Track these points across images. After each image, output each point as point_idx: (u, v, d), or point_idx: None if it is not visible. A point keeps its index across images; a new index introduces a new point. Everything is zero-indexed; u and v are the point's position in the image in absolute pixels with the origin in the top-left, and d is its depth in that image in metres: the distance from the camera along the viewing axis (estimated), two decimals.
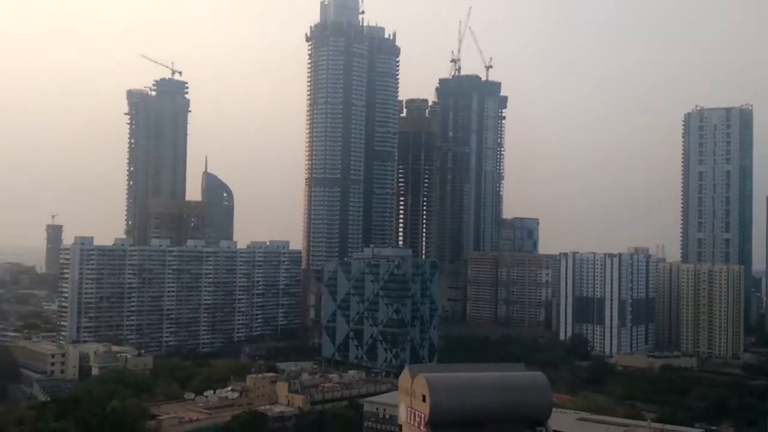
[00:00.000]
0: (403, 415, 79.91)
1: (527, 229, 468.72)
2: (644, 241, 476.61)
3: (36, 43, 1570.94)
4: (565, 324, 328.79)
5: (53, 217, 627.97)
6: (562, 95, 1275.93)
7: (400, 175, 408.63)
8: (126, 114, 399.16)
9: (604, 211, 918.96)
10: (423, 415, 73.18)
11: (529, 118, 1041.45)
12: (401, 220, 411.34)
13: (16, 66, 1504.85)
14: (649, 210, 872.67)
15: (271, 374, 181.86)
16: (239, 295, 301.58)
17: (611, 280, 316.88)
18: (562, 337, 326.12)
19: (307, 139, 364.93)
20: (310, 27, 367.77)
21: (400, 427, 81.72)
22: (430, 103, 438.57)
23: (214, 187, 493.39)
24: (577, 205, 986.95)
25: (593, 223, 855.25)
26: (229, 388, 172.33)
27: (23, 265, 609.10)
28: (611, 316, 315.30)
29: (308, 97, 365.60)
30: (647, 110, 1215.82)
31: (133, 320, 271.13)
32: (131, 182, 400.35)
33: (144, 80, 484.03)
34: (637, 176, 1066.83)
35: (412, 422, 76.59)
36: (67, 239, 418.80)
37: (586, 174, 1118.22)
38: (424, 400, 72.98)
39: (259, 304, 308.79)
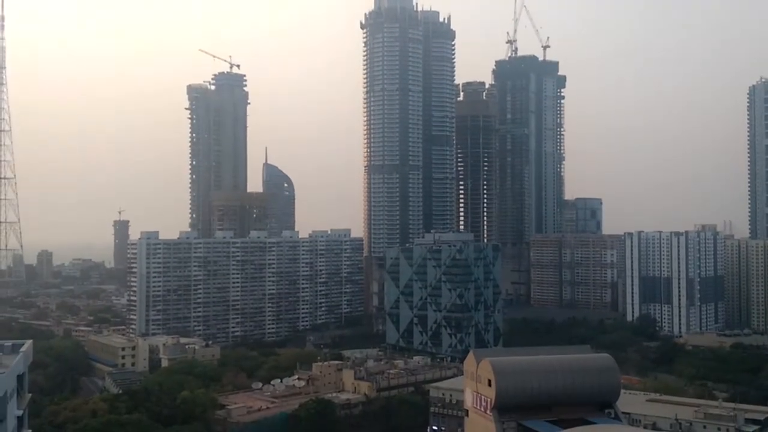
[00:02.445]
0: (469, 399, 79.34)
1: (590, 210, 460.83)
2: (711, 217, 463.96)
3: (96, 42, 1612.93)
4: (632, 305, 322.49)
5: (120, 213, 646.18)
6: (622, 71, 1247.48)
7: (459, 159, 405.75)
8: (187, 109, 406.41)
9: (669, 188, 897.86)
10: (489, 400, 72.50)
11: (589, 97, 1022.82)
12: (462, 205, 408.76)
13: (78, 66, 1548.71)
14: (716, 186, 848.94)
15: (336, 362, 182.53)
16: (303, 284, 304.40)
17: (678, 258, 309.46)
18: (629, 318, 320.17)
19: (365, 127, 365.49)
20: (365, 14, 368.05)
21: (467, 411, 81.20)
22: (487, 86, 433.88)
23: (275, 177, 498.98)
24: (642, 183, 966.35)
25: (658, 201, 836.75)
26: (296, 376, 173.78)
27: (93, 261, 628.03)
28: (679, 296, 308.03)
29: (365, 84, 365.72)
30: (711, 84, 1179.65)
31: (200, 312, 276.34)
32: (194, 176, 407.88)
33: (203, 74, 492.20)
34: (702, 152, 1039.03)
35: (478, 407, 75.97)
36: (134, 234, 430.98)
37: (649, 151, 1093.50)
38: (489, 385, 72.29)
39: (323, 292, 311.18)
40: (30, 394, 51.54)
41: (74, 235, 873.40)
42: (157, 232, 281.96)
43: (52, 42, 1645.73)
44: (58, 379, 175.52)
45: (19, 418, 45.72)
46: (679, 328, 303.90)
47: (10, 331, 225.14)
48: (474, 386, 76.02)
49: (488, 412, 72.07)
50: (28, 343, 51.00)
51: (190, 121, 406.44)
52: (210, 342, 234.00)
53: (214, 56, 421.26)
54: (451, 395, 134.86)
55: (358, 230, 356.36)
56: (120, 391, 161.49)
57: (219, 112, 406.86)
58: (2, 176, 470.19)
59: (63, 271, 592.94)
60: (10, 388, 42.35)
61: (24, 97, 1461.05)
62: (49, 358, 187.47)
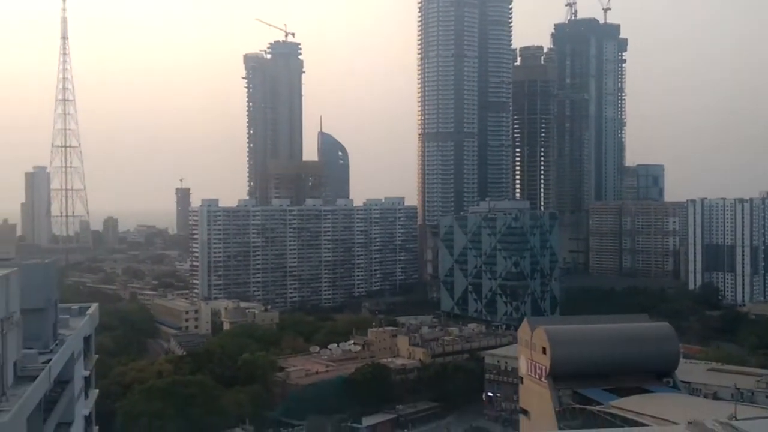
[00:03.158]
0: (523, 367, 79.42)
1: (652, 176, 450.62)
2: None
3: (156, 12, 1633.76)
4: (695, 273, 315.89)
5: (181, 180, 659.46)
6: (686, 33, 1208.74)
7: (516, 126, 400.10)
8: (243, 78, 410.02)
9: (733, 154, 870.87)
10: (544, 367, 72.45)
11: (652, 61, 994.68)
12: (518, 172, 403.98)
13: (139, 36, 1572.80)
14: None
15: (391, 328, 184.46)
16: (357, 251, 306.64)
17: (742, 226, 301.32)
18: (691, 286, 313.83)
19: (420, 94, 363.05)
20: None
21: (521, 378, 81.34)
22: (545, 50, 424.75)
23: (330, 146, 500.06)
24: (705, 148, 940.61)
25: (722, 167, 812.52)
26: (352, 341, 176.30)
27: (156, 228, 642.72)
28: (743, 264, 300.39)
29: (419, 50, 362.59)
30: None
31: (258, 277, 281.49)
32: (251, 144, 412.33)
33: (260, 44, 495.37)
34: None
35: (532, 374, 75.99)
36: (195, 202, 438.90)
37: (713, 116, 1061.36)
38: (544, 353, 72.19)
39: (377, 260, 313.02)
40: (97, 356, 53.25)
41: (138, 202, 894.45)
42: (217, 199, 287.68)
43: (112, 12, 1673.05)
44: (125, 341, 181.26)
45: (86, 378, 47.31)
46: (743, 296, 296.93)
47: (78, 294, 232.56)
48: (528, 354, 76.01)
49: (543, 379, 72.06)
50: (95, 305, 52.57)
51: (246, 90, 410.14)
52: (269, 306, 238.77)
53: (269, 25, 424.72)
54: (506, 362, 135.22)
55: (413, 198, 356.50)
56: (184, 353, 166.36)
57: (275, 80, 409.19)
58: (68, 145, 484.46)
59: (128, 236, 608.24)
60: (77, 349, 43.84)
61: (86, 66, 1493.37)
62: (116, 320, 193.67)
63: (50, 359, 36.15)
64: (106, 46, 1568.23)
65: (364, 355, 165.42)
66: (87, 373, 47.53)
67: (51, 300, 40.45)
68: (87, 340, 48.33)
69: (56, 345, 39.76)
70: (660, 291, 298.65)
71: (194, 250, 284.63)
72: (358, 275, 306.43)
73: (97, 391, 53.42)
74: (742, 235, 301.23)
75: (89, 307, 51.51)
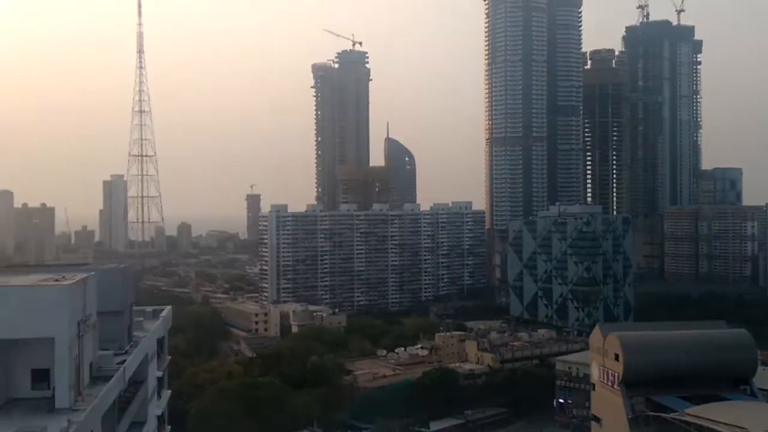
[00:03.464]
0: (595, 373, 77.81)
1: (729, 180, 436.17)
2: None
3: (227, 24, 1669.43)
4: None
5: (252, 187, 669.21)
6: (763, 33, 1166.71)
7: (586, 130, 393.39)
8: (312, 87, 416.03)
9: None
10: (617, 374, 70.83)
11: (729, 62, 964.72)
12: (589, 177, 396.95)
13: (210, 47, 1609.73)
14: None
15: (459, 333, 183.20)
16: (424, 255, 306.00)
17: None
18: None
19: (487, 99, 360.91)
20: None
21: (593, 385, 79.70)
22: (616, 53, 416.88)
23: (396, 151, 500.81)
24: None
25: None
26: (419, 345, 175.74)
27: (228, 233, 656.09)
28: None
29: (486, 55, 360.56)
30: None
31: (326, 281, 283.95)
32: (319, 151, 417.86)
33: (327, 54, 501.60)
34: None
35: (605, 381, 74.39)
36: (265, 208, 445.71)
37: None
38: (617, 359, 70.59)
39: (445, 264, 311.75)
40: (169, 357, 54.53)
41: (211, 208, 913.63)
42: (286, 205, 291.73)
43: (185, 25, 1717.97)
44: (197, 343, 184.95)
45: (159, 379, 48.50)
46: None
47: (153, 297, 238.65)
48: (601, 360, 74.43)
49: (616, 386, 70.44)
50: (168, 308, 53.89)
51: (315, 98, 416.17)
52: (336, 310, 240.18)
53: (337, 35, 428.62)
54: (577, 369, 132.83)
55: (480, 203, 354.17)
56: (254, 355, 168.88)
57: (342, 89, 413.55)
58: (144, 154, 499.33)
59: (201, 241, 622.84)
60: (150, 350, 44.99)
61: (161, 78, 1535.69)
62: (188, 323, 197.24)
63: (125, 360, 37.18)
64: (179, 58, 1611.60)
65: (431, 359, 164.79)
66: (160, 373, 48.72)
67: (126, 303, 41.62)
68: (160, 341, 49.54)
69: (131, 346, 40.88)
70: (738, 297, 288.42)
71: (264, 254, 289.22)
72: (425, 279, 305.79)
73: (170, 391, 54.60)
74: None
75: (163, 309, 52.82)
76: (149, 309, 52.86)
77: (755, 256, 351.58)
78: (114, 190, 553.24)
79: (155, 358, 47.12)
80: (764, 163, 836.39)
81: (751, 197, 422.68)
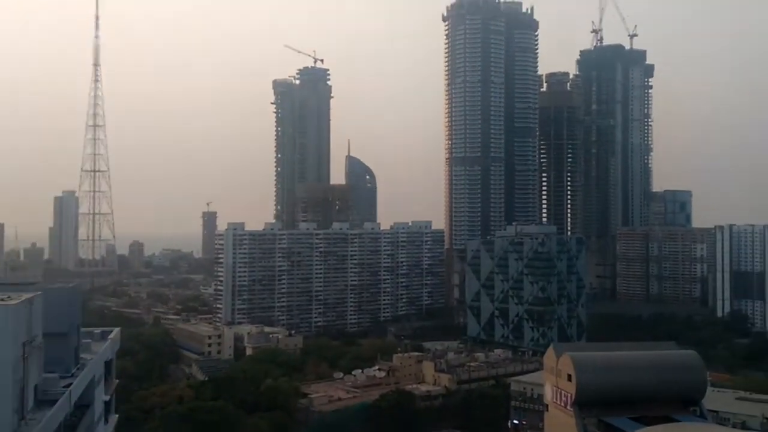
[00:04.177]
0: (549, 394, 78.14)
1: (679, 202, 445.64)
2: None
3: (185, 38, 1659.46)
4: (723, 300, 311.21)
5: (208, 204, 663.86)
6: (712, 59, 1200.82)
7: (542, 151, 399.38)
8: (272, 103, 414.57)
9: (762, 180, 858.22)
10: (569, 395, 71.22)
11: (679, 86, 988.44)
12: (544, 197, 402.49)
13: (167, 61, 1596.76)
14: None
15: (417, 353, 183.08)
16: (384, 275, 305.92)
17: None
18: (719, 314, 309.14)
19: (447, 119, 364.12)
20: (447, 6, 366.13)
21: (547, 406, 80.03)
22: (571, 76, 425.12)
23: (357, 170, 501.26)
24: (733, 175, 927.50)
25: (750, 194, 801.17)
26: (377, 367, 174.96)
27: (182, 251, 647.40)
28: None
29: (446, 76, 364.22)
30: None
31: (283, 302, 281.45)
32: (279, 169, 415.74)
33: (288, 70, 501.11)
34: None
35: (558, 401, 74.75)
36: (222, 226, 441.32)
37: (741, 141, 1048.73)
38: (569, 380, 71.02)
39: (404, 284, 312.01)
40: (117, 380, 53.33)
41: (164, 226, 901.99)
42: (243, 223, 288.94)
43: (141, 38, 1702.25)
44: (147, 366, 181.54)
45: (107, 403, 47.35)
46: None
47: (102, 318, 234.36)
48: (554, 381, 74.86)
49: (569, 407, 70.84)
50: (116, 330, 52.79)
51: (275, 115, 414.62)
52: (293, 331, 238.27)
53: (298, 51, 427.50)
54: (532, 389, 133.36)
55: (440, 222, 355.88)
56: (206, 378, 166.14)
57: (303, 106, 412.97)
58: (97, 169, 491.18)
59: (153, 260, 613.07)
60: (98, 373, 43.95)
61: (116, 91, 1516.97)
62: (138, 345, 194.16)
63: (71, 383, 36.27)
64: (136, 72, 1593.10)
65: (388, 381, 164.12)
66: (107, 397, 47.60)
67: (73, 324, 40.66)
68: (108, 364, 48.49)
69: (77, 369, 39.91)
70: (687, 318, 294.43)
71: (219, 274, 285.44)
72: (384, 299, 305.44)
73: (117, 416, 53.40)
74: None
75: (111, 331, 51.75)
76: (97, 330, 51.79)
77: (704, 277, 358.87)
78: (65, 206, 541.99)
79: (102, 381, 46.08)
80: (713, 186, 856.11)
81: (700, 219, 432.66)
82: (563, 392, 72.32)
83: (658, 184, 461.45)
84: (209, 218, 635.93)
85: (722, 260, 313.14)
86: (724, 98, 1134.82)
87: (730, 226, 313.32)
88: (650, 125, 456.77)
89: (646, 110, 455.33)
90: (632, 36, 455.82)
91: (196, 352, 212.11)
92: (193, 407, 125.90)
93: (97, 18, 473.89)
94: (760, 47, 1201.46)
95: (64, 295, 41.00)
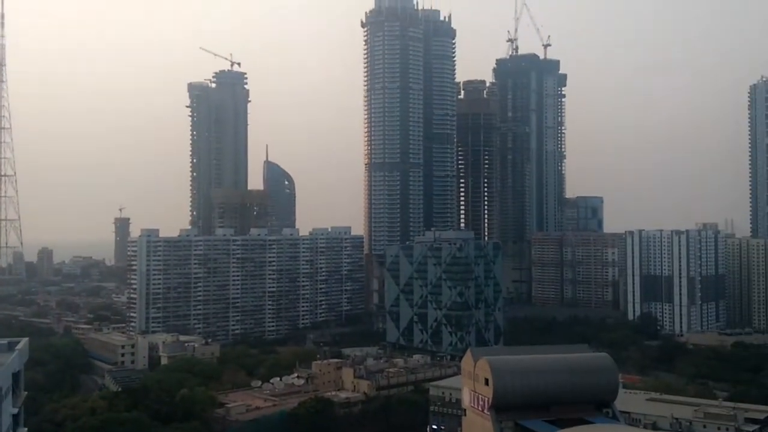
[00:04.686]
0: (466, 398, 79.05)
1: (591, 208, 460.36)
2: (712, 216, 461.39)
3: (97, 39, 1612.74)
4: (633, 303, 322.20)
5: (120, 210, 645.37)
6: (623, 69, 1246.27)
7: (460, 158, 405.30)
8: (187, 107, 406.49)
9: (670, 186, 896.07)
10: (486, 399, 72.23)
11: (591, 95, 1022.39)
12: (462, 203, 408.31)
13: (78, 63, 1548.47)
14: (717, 185, 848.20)
15: (336, 360, 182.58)
16: (303, 281, 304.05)
17: (679, 257, 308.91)
18: (630, 316, 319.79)
19: (366, 125, 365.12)
20: (366, 13, 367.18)
21: (465, 410, 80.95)
22: (487, 84, 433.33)
23: (276, 175, 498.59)
24: (643, 181, 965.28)
25: (659, 200, 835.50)
26: (295, 374, 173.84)
27: (93, 259, 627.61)
28: (680, 294, 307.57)
29: (365, 82, 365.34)
30: (713, 82, 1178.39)
31: (200, 309, 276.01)
32: (194, 173, 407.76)
33: (204, 73, 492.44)
34: (703, 150, 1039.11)
35: (475, 406, 75.71)
36: (135, 232, 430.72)
37: (650, 149, 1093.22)
38: (487, 384, 72.03)
39: (323, 290, 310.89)
40: (26, 392, 51.42)
41: (75, 233, 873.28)
42: (158, 229, 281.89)
43: (51, 38, 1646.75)
44: (58, 377, 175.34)
45: (15, 416, 45.61)
46: (681, 326, 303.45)
47: (9, 328, 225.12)
48: (472, 385, 75.81)
49: (486, 411, 71.85)
50: (24, 340, 50.87)
51: (190, 118, 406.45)
52: (210, 340, 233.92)
53: (215, 54, 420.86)
54: (450, 394, 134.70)
55: (359, 228, 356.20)
56: (119, 389, 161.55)
57: (220, 109, 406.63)
58: (3, 173, 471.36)
59: (63, 268, 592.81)
60: (5, 385, 42.24)
61: (24, 93, 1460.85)
62: (48, 355, 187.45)
63: None
64: (43, 71, 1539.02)
65: (307, 388, 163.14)
66: (15, 410, 45.87)
67: None
68: (16, 376, 46.74)
69: None
70: (600, 321, 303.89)
71: (132, 281, 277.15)
72: (303, 306, 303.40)
73: (26, 429, 51.46)
74: (680, 266, 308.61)
75: (18, 342, 49.84)
76: (4, 341, 49.87)
77: (615, 281, 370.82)
78: None
79: (10, 393, 44.41)
80: (624, 192, 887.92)
81: (611, 225, 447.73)
82: (480, 396, 73.32)
83: (571, 190, 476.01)
84: (122, 224, 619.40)
85: (632, 264, 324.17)
86: (634, 106, 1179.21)
87: (640, 231, 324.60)
88: (563, 133, 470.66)
89: (559, 118, 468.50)
90: (546, 46, 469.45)
91: (109, 363, 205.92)
92: (106, 419, 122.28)
93: (2, 16, 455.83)
94: (671, 59, 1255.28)
95: None
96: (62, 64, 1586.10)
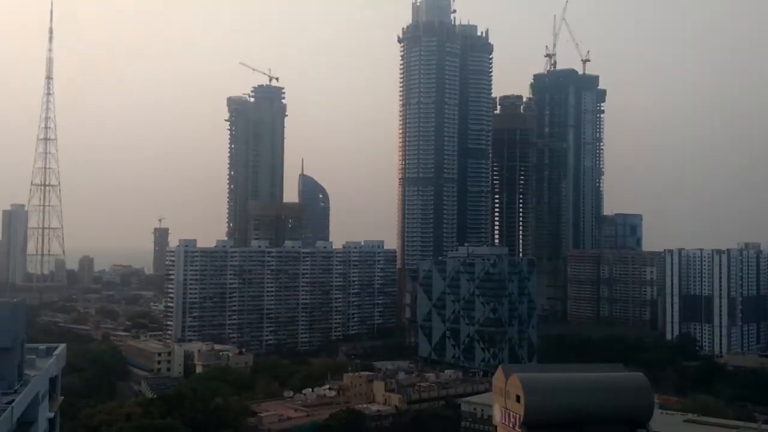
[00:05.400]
0: (497, 415, 78.48)
1: (630, 225, 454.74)
2: (755, 235, 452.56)
3: (141, 55, 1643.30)
4: (672, 323, 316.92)
5: (160, 220, 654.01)
6: (664, 85, 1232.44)
7: (495, 173, 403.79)
8: (226, 120, 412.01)
9: (711, 205, 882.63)
10: (518, 416, 71.63)
11: (630, 112, 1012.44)
12: (497, 219, 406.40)
13: (122, 77, 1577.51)
14: (760, 203, 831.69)
15: (367, 373, 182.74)
16: (336, 294, 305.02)
17: (720, 276, 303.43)
18: (668, 336, 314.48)
19: (401, 140, 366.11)
20: (403, 28, 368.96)
21: (495, 427, 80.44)
22: (524, 100, 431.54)
23: (310, 188, 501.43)
24: (683, 199, 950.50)
25: (700, 218, 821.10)
26: (327, 386, 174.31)
27: (132, 267, 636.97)
28: (720, 315, 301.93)
29: (401, 97, 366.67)
30: (756, 99, 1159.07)
31: (234, 319, 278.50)
32: (232, 186, 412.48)
33: (243, 87, 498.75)
34: (745, 168, 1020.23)
35: (507, 423, 75.12)
36: (173, 242, 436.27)
37: (691, 167, 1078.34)
38: (518, 401, 71.45)
39: (356, 303, 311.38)
40: (62, 397, 52.31)
41: (115, 242, 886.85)
42: (195, 240, 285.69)
43: (97, 54, 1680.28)
44: (95, 383, 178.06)
45: (51, 420, 46.44)
46: (720, 347, 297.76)
47: (50, 334, 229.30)
48: (503, 402, 75.28)
49: (517, 428, 71.27)
50: (62, 346, 51.85)
51: (229, 132, 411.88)
52: (244, 349, 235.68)
53: (254, 69, 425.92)
54: (482, 410, 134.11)
55: (392, 242, 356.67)
56: (155, 396, 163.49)
57: (257, 123, 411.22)
58: (48, 183, 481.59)
59: (103, 276, 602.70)
60: (42, 390, 43.11)
61: (67, 105, 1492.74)
62: (86, 361, 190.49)
63: (13, 400, 35.55)
64: (88, 85, 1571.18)
65: (339, 400, 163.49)
66: (51, 414, 46.68)
67: (17, 339, 39.86)
68: (53, 381, 47.60)
69: (21, 385, 39.11)
70: (637, 340, 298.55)
71: (170, 290, 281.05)
72: (335, 318, 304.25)
73: None
74: (720, 285, 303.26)
75: (57, 347, 50.81)
76: (42, 346, 50.82)
77: (654, 300, 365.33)
78: (13, 219, 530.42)
79: (47, 398, 45.23)
80: (664, 210, 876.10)
81: (650, 243, 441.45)
82: (512, 413, 72.77)
83: (609, 208, 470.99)
84: (161, 234, 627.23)
85: (671, 283, 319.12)
86: (675, 124, 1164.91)
87: (680, 250, 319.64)
88: (602, 149, 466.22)
89: (597, 134, 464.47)
90: (585, 61, 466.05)
91: (146, 370, 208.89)
92: (141, 425, 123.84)
93: (50, 31, 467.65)
94: (709, 71, 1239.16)
95: (8, 309, 40.24)
96: (105, 75, 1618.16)
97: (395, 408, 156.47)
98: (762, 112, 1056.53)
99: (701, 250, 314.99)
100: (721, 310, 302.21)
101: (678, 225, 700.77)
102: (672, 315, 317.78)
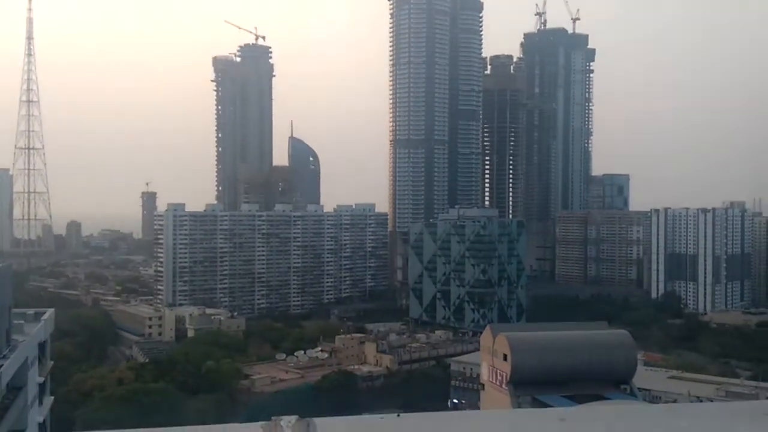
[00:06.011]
0: (485, 373, 79.82)
1: (617, 186, 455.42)
2: (739, 194, 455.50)
3: (122, 13, 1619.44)
4: (657, 282, 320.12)
5: (147, 184, 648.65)
6: (654, 46, 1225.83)
7: (485, 134, 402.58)
8: (212, 81, 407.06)
9: (697, 165, 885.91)
10: (504, 374, 72.95)
11: (619, 71, 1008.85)
12: (487, 180, 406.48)
13: (105, 36, 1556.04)
14: (745, 163, 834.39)
15: (359, 335, 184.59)
16: (327, 258, 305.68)
17: (705, 235, 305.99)
18: (654, 295, 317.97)
19: (391, 101, 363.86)
20: None
21: (483, 385, 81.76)
22: (515, 59, 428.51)
23: (300, 151, 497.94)
24: (670, 159, 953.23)
25: (686, 178, 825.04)
26: (319, 348, 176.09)
27: (121, 232, 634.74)
28: (705, 273, 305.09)
29: (391, 57, 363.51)
30: (743, 60, 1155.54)
31: (225, 283, 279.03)
32: (220, 149, 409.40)
33: (229, 46, 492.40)
34: (731, 129, 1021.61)
35: (494, 381, 76.45)
36: (161, 206, 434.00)
37: (678, 127, 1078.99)
38: (505, 359, 72.71)
39: (347, 266, 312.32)
40: (52, 362, 52.65)
41: (103, 206, 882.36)
42: (184, 204, 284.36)
43: (77, 12, 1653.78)
44: (86, 348, 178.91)
45: (41, 385, 46.79)
46: (704, 305, 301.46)
47: (39, 300, 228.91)
48: (490, 360, 76.52)
49: (504, 386, 72.57)
50: (50, 311, 52.02)
51: (215, 93, 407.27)
52: (235, 313, 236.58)
53: (239, 27, 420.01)
54: (471, 369, 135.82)
55: (383, 205, 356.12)
56: (146, 360, 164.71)
57: (244, 84, 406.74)
58: (31, 146, 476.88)
59: (92, 241, 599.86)
60: (31, 355, 43.36)
61: (52, 68, 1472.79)
62: (77, 327, 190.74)
63: (2, 365, 35.74)
64: (70, 46, 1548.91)
65: (331, 362, 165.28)
66: (41, 379, 47.01)
67: (4, 305, 39.96)
68: (42, 346, 47.83)
69: (9, 351, 39.29)
70: (623, 299, 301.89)
71: (159, 255, 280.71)
72: (327, 282, 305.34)
73: (53, 398, 52.75)
74: (705, 244, 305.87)
75: (45, 312, 50.98)
76: (30, 311, 50.94)
77: (640, 259, 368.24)
78: None
79: (36, 363, 45.47)
80: (651, 170, 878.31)
81: (637, 203, 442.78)
82: (499, 371, 74.01)
83: (598, 168, 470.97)
84: (148, 198, 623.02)
85: (657, 243, 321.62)
86: (663, 84, 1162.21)
87: (666, 210, 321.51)
88: (591, 110, 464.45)
89: (587, 94, 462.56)
90: (575, 20, 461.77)
91: (137, 334, 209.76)
92: (133, 389, 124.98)
93: None
94: (698, 34, 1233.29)
95: None
96: (88, 38, 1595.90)
97: (387, 369, 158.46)
98: (750, 75, 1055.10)
99: (687, 209, 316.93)
100: (705, 269, 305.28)
101: (665, 185, 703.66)
102: (657, 274, 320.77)
